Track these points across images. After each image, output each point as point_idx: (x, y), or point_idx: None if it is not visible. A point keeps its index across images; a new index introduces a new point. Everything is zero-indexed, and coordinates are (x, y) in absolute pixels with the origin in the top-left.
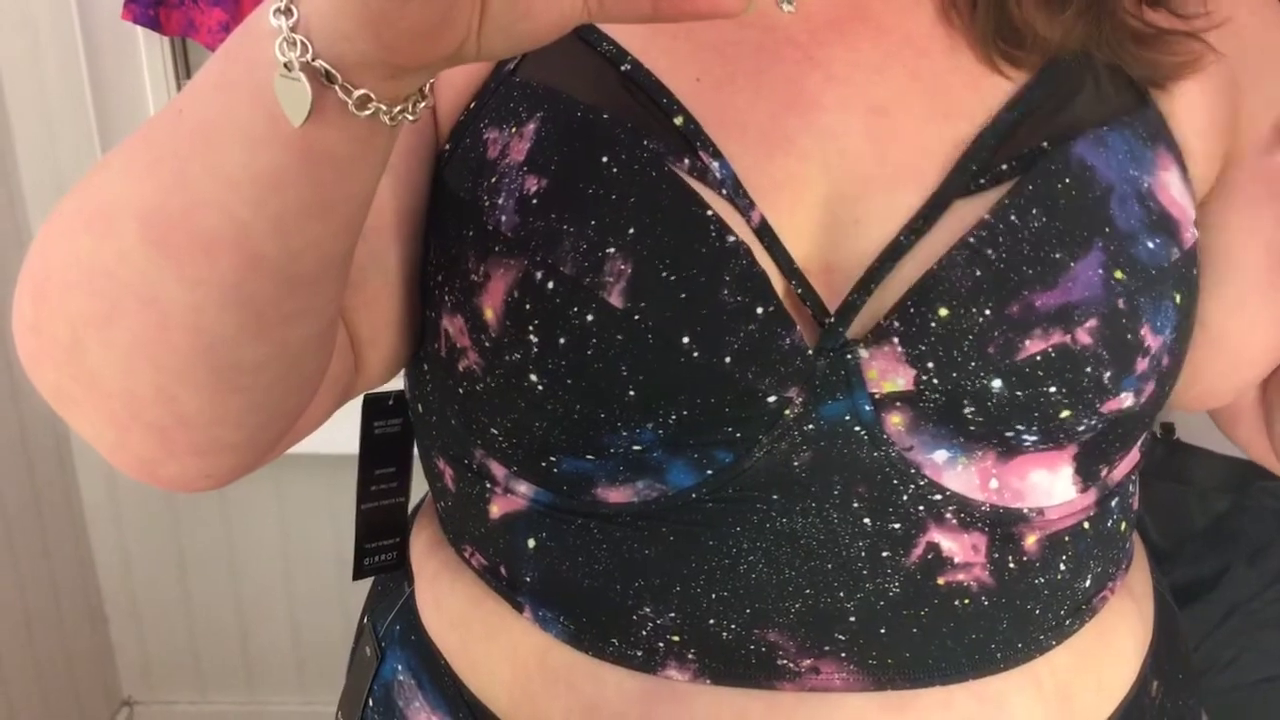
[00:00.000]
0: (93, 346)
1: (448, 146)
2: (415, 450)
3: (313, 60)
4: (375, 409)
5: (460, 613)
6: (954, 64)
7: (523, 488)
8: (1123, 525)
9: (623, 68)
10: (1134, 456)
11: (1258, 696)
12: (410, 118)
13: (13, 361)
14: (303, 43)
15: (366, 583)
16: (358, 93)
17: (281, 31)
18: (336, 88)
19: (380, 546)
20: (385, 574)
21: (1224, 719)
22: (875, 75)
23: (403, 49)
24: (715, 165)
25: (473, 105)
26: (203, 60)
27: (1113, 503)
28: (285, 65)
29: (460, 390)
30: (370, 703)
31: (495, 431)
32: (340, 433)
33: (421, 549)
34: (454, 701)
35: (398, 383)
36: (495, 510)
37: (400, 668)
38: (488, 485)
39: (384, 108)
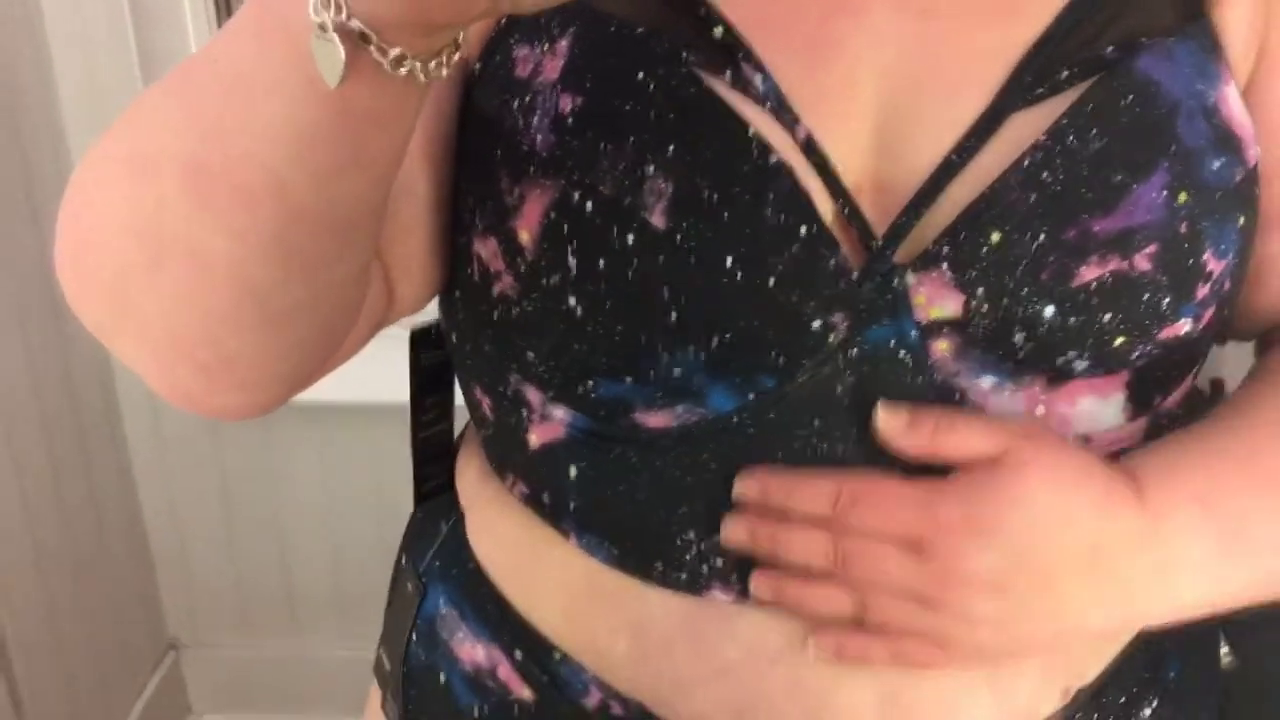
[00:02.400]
0: (138, 290)
1: (478, 65)
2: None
3: (348, 20)
4: (422, 341)
5: (511, 536)
6: None
7: (559, 413)
8: None
9: None
10: (1182, 392)
11: None
12: (445, 72)
13: (60, 311)
14: (336, 3)
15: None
16: (393, 52)
17: None
18: (372, 48)
19: (434, 472)
20: (427, 509)
21: None
22: None
23: (437, 7)
24: (758, 78)
25: (503, 21)
26: None
27: (1161, 433)
28: (320, 26)
29: (495, 315)
30: (414, 637)
31: (531, 355)
32: (379, 381)
33: (472, 479)
34: (497, 627)
35: (434, 311)
36: (535, 439)
37: (443, 601)
38: (524, 413)
39: (419, 65)
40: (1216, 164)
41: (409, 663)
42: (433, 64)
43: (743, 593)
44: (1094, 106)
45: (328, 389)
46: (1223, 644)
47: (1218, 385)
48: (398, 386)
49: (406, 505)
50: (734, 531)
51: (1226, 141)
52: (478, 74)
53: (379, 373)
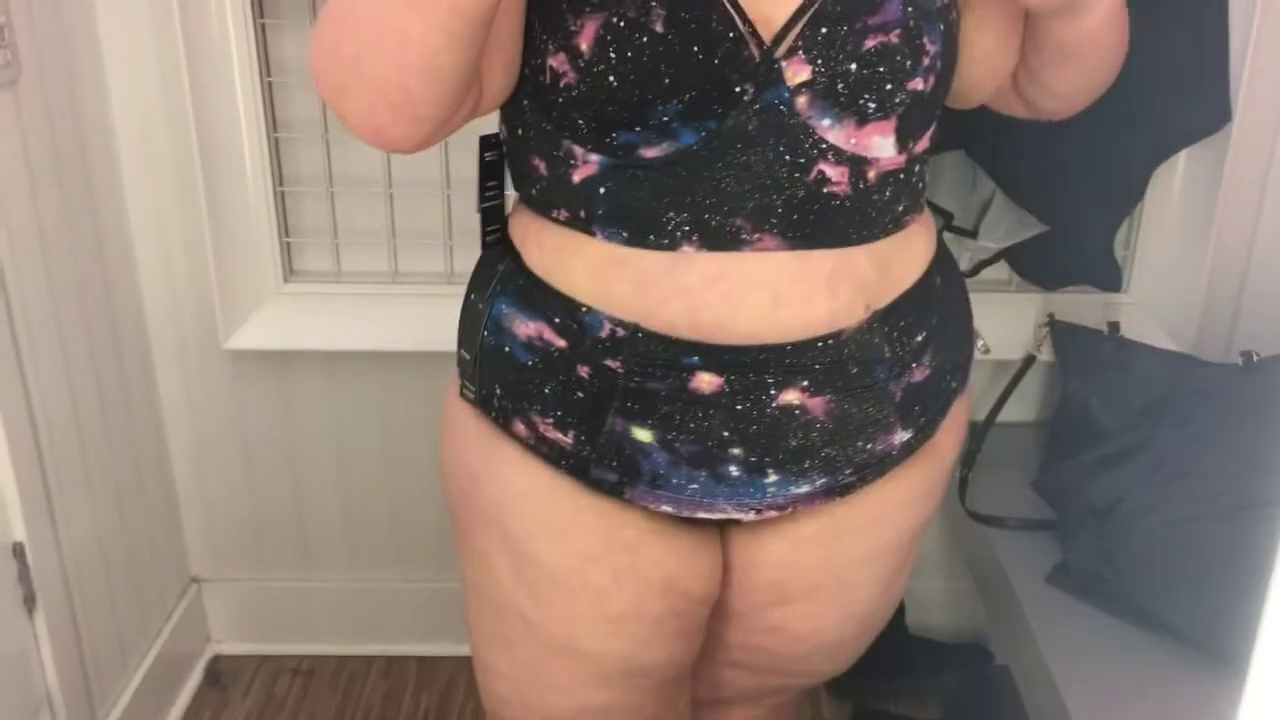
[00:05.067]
0: (366, 58)
1: None
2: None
3: None
4: (485, 143)
5: (555, 244)
6: None
7: (594, 157)
8: (920, 185)
9: None
10: (926, 142)
11: (1181, 532)
12: None
13: (114, 297)
14: None
15: (413, 473)
16: None
17: None
18: None
19: (493, 230)
20: (485, 261)
21: (1155, 550)
22: None
23: None
24: None
25: None
26: (275, 0)
27: (915, 167)
28: None
29: (559, 100)
30: (485, 334)
31: (581, 122)
32: (385, 331)
33: (521, 227)
34: (543, 308)
35: (489, 128)
36: (577, 177)
37: (504, 306)
38: (572, 162)
39: None
40: None
41: (483, 349)
42: None
43: (699, 245)
44: None
45: (339, 338)
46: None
47: (1114, 326)
48: (403, 337)
49: (412, 447)
50: None
51: None
52: None
53: (385, 324)
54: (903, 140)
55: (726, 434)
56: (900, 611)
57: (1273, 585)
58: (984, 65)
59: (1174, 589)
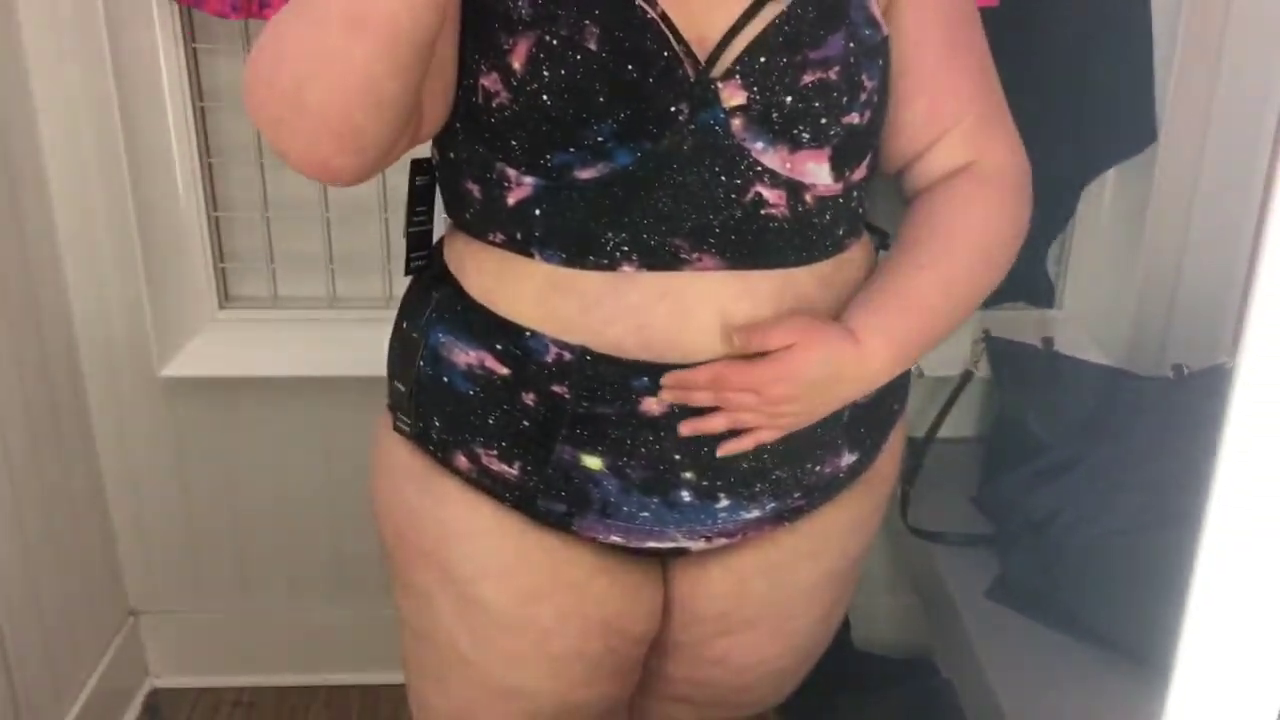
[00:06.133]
0: (307, 88)
1: None
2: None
3: None
4: (417, 168)
5: (494, 269)
6: None
7: (528, 180)
8: (860, 209)
9: None
10: (864, 171)
11: (1116, 544)
12: None
13: (33, 310)
14: None
15: (354, 499)
16: None
17: None
18: None
19: (419, 256)
20: (419, 277)
21: (1091, 563)
22: None
23: None
24: None
25: None
26: (207, 25)
27: (853, 193)
28: None
29: (491, 121)
30: (422, 364)
31: (514, 143)
32: (325, 356)
33: (457, 252)
34: (483, 335)
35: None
36: (512, 200)
37: (441, 337)
38: (505, 185)
39: None
40: (867, 32)
41: (420, 381)
42: None
43: (639, 265)
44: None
45: (276, 364)
46: None
47: (1048, 341)
48: (342, 362)
49: (352, 473)
50: (664, 397)
51: (871, 23)
52: None
53: (323, 350)
54: (838, 169)
55: (678, 457)
56: (846, 627)
57: (1192, 595)
58: (896, 139)
59: (1110, 601)
